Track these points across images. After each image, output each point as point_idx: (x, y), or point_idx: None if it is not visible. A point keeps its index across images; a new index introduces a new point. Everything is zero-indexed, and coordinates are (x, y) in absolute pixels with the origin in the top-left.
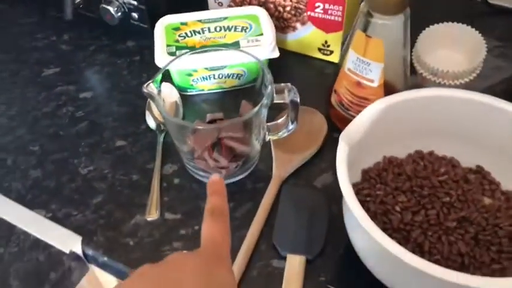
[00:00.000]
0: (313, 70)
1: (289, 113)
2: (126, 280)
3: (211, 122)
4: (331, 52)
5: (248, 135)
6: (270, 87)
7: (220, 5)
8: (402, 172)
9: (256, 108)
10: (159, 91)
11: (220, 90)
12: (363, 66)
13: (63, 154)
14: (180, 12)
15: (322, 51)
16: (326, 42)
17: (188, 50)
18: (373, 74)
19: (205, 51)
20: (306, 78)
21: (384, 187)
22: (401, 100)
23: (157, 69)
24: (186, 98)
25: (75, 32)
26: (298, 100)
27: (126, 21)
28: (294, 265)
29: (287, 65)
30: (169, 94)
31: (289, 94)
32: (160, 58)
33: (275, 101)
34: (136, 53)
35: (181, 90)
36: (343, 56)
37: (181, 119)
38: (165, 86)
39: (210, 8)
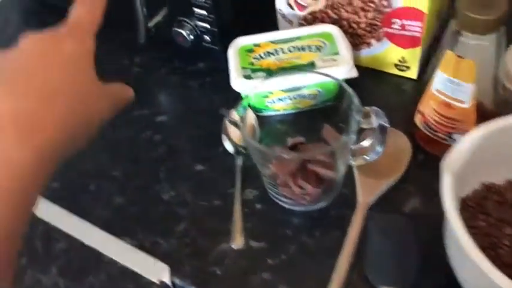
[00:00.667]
0: (389, 87)
1: (377, 136)
2: None
3: (293, 146)
4: (408, 68)
5: (334, 160)
6: (358, 115)
7: (291, 23)
8: (504, 201)
9: (346, 137)
10: (243, 117)
11: (295, 111)
12: (453, 87)
13: (145, 180)
14: (251, 33)
15: (398, 67)
16: (403, 58)
17: (264, 73)
18: (464, 95)
19: (284, 74)
20: (383, 95)
21: (486, 217)
22: (501, 126)
23: (229, 90)
24: (260, 119)
25: (146, 55)
26: (388, 125)
27: (198, 44)
28: None
29: (362, 82)
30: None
31: (377, 118)
32: (236, 81)
33: (362, 126)
34: (207, 75)
35: (256, 111)
36: (429, 75)
37: (258, 142)
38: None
39: (280, 27)
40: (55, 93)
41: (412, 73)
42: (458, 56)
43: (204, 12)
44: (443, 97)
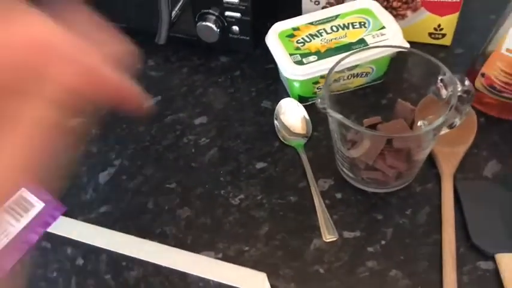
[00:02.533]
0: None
1: (462, 105)
2: None
3: (368, 128)
4: (444, 35)
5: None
6: (455, 85)
7: (317, 3)
8: None
9: (446, 115)
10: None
11: (344, 91)
12: None
13: (206, 187)
14: (274, 19)
15: (433, 35)
16: (439, 26)
17: (316, 56)
18: None
19: (341, 53)
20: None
21: None
22: None
23: (263, 81)
24: (307, 108)
25: (158, 56)
26: (473, 89)
27: (224, 36)
28: (509, 264)
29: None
30: (292, 108)
31: (462, 85)
32: (289, 69)
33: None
34: (235, 68)
35: (301, 101)
36: (492, 37)
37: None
38: (286, 101)
39: (304, 9)
40: None
41: (448, 40)
42: None
43: (235, 0)
44: None
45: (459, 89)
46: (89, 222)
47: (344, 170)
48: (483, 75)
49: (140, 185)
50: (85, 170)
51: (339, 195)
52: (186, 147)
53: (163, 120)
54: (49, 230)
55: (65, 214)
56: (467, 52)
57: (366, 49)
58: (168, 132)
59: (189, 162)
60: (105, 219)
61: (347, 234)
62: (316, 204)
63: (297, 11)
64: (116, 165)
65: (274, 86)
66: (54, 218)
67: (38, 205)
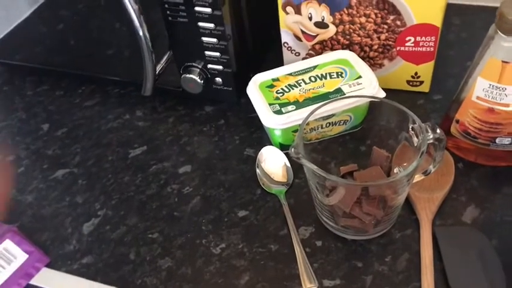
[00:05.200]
0: (405, 104)
1: (435, 152)
2: None
3: (345, 175)
4: (421, 83)
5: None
6: (425, 134)
7: (298, 54)
8: None
9: (417, 161)
10: (296, 149)
11: (324, 139)
12: (497, 92)
13: (188, 236)
14: (257, 70)
15: (411, 83)
16: (416, 73)
17: (294, 106)
18: (509, 99)
19: (318, 103)
20: None
21: None
22: None
23: (246, 130)
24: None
25: (146, 106)
26: (444, 137)
27: (208, 87)
28: None
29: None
30: (274, 156)
31: (434, 133)
32: (268, 119)
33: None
34: (219, 118)
35: (282, 149)
36: (462, 85)
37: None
38: (267, 149)
39: (285, 60)
40: None
41: (426, 87)
42: (504, 62)
43: (217, 54)
44: (485, 103)
45: (430, 137)
46: (71, 274)
47: (323, 217)
48: (457, 121)
49: (123, 235)
50: (70, 220)
51: (319, 243)
52: (169, 196)
53: (148, 169)
54: (32, 281)
55: (48, 265)
56: (445, 98)
57: (341, 98)
58: (152, 181)
59: (171, 211)
60: (88, 270)
61: (327, 282)
62: (296, 253)
63: (281, 62)
64: (100, 216)
65: (257, 134)
66: (37, 270)
67: (21, 257)
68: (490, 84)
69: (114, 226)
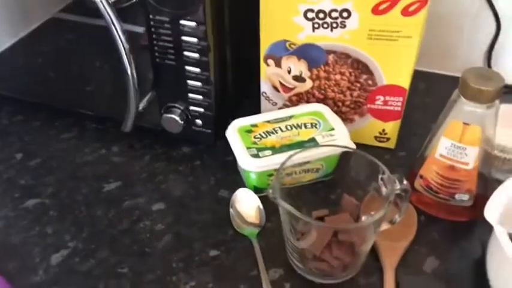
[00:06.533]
0: None
1: (401, 202)
2: None
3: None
4: (388, 139)
5: (368, 229)
6: (393, 184)
7: (275, 104)
8: None
9: (385, 209)
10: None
11: (297, 185)
12: (458, 151)
13: (157, 273)
14: (234, 115)
15: (378, 138)
16: (383, 130)
17: (270, 151)
18: (469, 158)
19: (294, 149)
20: None
21: None
22: None
23: (222, 171)
24: (262, 199)
25: (123, 143)
26: (410, 188)
27: (187, 128)
28: None
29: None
30: (248, 198)
31: (401, 184)
32: (245, 161)
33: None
34: (195, 158)
35: (256, 192)
36: (427, 143)
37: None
38: (242, 191)
39: (262, 108)
40: None
41: (392, 143)
42: (465, 124)
43: (200, 97)
44: (447, 161)
45: (397, 188)
46: None
47: (293, 260)
48: (421, 176)
49: (92, 268)
50: (38, 250)
51: (288, 285)
52: (141, 232)
53: (121, 204)
54: None
55: None
56: (409, 155)
57: (315, 147)
58: (125, 216)
59: (143, 247)
60: None
61: None
62: None
63: (257, 109)
64: (70, 247)
65: (232, 177)
66: None
67: None
68: (452, 144)
69: (83, 258)
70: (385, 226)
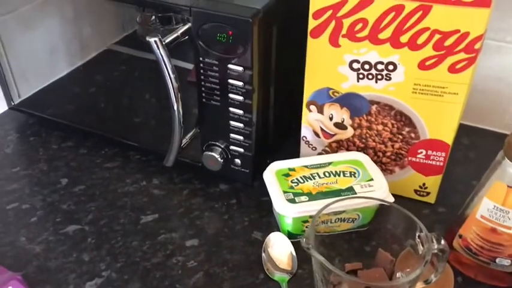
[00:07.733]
0: (410, 212)
1: (438, 262)
2: None
3: (350, 272)
4: (428, 193)
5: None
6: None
7: (314, 149)
8: None
9: (421, 269)
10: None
11: (331, 233)
12: (501, 214)
13: None
14: (273, 157)
15: (418, 192)
16: (424, 184)
17: (307, 197)
18: None
19: (330, 198)
20: None
21: None
22: None
23: (257, 212)
24: (295, 245)
25: (164, 176)
26: (448, 249)
27: (226, 166)
28: None
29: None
30: (281, 243)
31: (438, 244)
32: (281, 206)
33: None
34: (232, 196)
35: (290, 237)
36: (468, 202)
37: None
38: (275, 235)
39: (301, 153)
40: None
41: (432, 198)
42: (509, 187)
43: (241, 137)
44: (489, 223)
45: (435, 247)
46: None
47: None
48: (460, 236)
49: None
50: (73, 277)
51: None
52: (173, 268)
53: (156, 238)
54: None
55: None
56: (449, 211)
57: (353, 197)
58: (159, 250)
59: (174, 283)
60: None
61: None
62: None
63: (295, 153)
64: (104, 277)
65: (266, 219)
66: None
67: None
68: (495, 206)
69: (114, 287)
70: (419, 286)
